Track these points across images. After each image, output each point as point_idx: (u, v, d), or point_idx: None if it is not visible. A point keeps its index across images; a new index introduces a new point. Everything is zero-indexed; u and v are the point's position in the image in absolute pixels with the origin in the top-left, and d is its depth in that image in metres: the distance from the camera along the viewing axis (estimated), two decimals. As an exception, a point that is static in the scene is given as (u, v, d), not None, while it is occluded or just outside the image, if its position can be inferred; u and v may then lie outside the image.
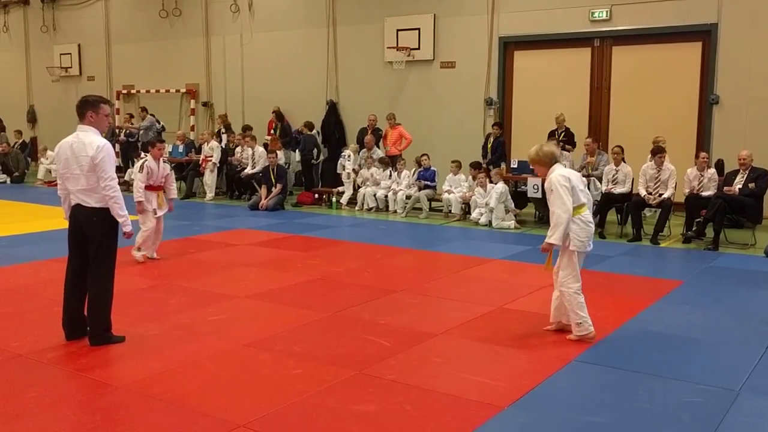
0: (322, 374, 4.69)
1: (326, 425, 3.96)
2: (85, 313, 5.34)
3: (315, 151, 14.36)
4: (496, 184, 11.04)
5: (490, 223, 11.01)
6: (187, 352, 5.14)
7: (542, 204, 11.26)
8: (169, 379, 4.63)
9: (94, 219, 5.19)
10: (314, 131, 14.63)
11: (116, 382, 4.56)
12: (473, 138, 13.73)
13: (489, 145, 12.66)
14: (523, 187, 11.43)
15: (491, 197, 10.90)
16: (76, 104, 5.38)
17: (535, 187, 10.78)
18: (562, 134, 12.30)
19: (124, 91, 19.20)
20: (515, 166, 11.34)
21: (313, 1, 15.95)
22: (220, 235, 10.23)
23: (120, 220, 5.21)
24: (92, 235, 5.21)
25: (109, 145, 5.27)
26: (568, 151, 11.88)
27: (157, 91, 18.45)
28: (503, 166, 11.65)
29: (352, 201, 13.28)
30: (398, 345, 5.28)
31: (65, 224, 5.40)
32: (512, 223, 10.88)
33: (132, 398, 4.32)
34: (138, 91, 18.90)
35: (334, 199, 13.25)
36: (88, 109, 5.28)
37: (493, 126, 12.99)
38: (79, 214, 5.23)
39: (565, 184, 5.29)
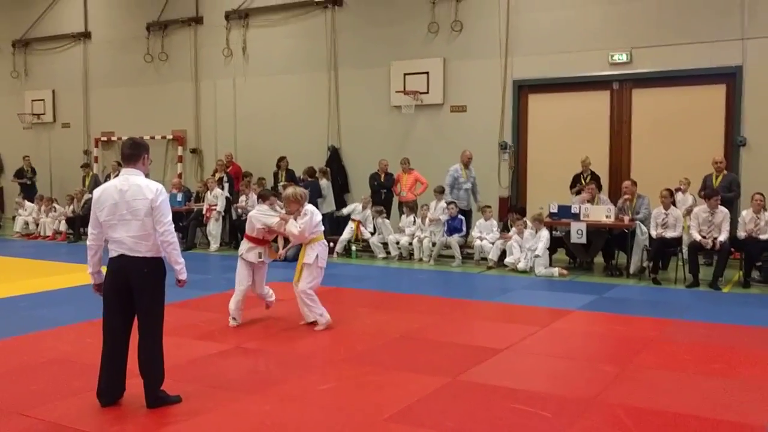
0: (505, 454, 4.04)
1: None
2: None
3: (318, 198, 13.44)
4: (538, 230, 10.61)
5: (528, 270, 10.54)
6: (330, 429, 4.41)
7: (582, 250, 10.90)
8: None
9: (145, 270, 4.70)
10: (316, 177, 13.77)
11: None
12: (488, 182, 13.37)
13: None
14: (555, 232, 11.07)
15: (539, 244, 10.43)
16: (127, 146, 4.89)
17: (579, 232, 10.38)
18: (588, 177, 12.04)
19: (104, 138, 18.23)
20: (555, 210, 10.92)
21: (312, 45, 15.46)
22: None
23: (176, 267, 4.86)
24: (144, 286, 4.73)
25: (164, 188, 4.83)
26: (597, 194, 11.58)
27: (141, 137, 17.51)
28: (541, 211, 11.22)
29: (366, 249, 12.67)
30: (560, 415, 4.66)
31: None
32: (556, 271, 10.42)
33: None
34: (119, 138, 17.92)
35: (353, 248, 12.58)
36: (144, 152, 4.91)
37: None
38: (127, 266, 4.69)
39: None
